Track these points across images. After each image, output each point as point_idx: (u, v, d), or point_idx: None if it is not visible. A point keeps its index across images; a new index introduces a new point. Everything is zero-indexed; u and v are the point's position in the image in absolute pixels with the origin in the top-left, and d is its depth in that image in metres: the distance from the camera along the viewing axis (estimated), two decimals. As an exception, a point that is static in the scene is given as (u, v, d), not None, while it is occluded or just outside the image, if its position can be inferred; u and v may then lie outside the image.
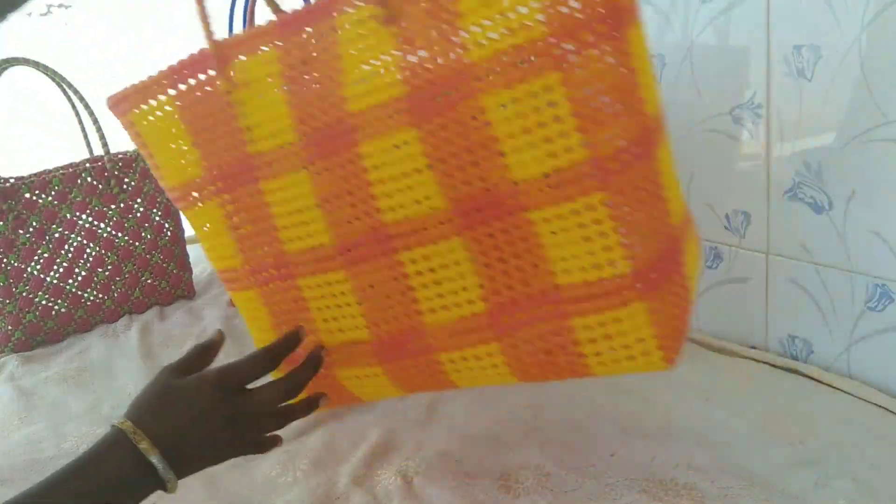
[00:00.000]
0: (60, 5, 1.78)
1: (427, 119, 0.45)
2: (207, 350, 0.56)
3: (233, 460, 0.70)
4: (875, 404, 0.66)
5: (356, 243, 0.51)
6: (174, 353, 0.98)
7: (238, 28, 1.08)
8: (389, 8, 0.45)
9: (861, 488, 0.55)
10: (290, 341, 0.57)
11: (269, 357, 0.55)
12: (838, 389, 0.69)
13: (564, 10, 0.40)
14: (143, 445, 0.48)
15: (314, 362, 0.57)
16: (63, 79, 1.08)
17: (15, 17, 1.72)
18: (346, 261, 0.53)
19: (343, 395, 0.63)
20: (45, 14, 1.77)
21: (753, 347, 0.80)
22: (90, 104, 1.09)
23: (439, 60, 0.44)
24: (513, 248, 0.47)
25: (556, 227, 0.45)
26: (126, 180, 1.11)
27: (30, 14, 1.76)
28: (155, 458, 0.48)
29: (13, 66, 1.03)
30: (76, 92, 1.09)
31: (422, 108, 0.45)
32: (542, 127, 0.42)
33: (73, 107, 1.11)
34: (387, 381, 0.59)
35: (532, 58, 0.41)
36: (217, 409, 0.51)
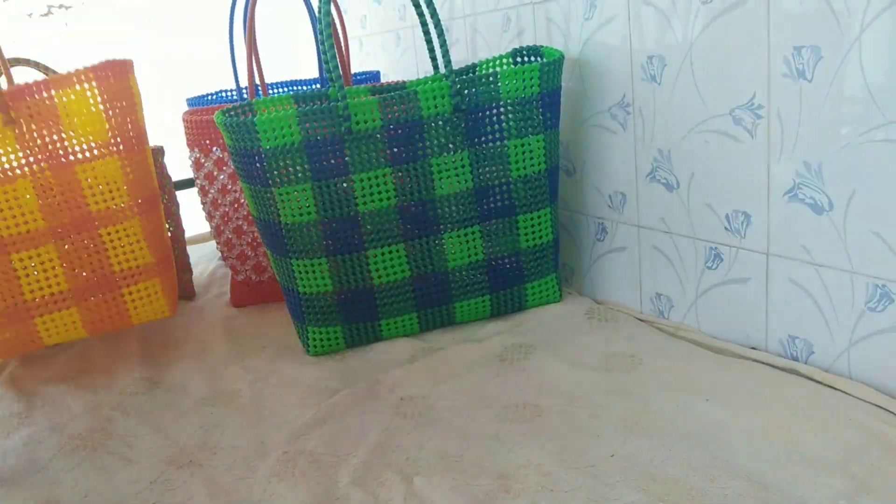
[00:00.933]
0: (60, 5, 1.78)
1: (44, 191, 0.85)
2: None
3: (233, 461, 0.70)
4: (875, 404, 0.66)
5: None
6: (175, 354, 0.98)
7: (238, 28, 1.08)
8: (7, 113, 0.80)
9: (861, 488, 0.55)
10: None
11: None
12: (838, 389, 0.69)
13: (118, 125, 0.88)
14: None
15: None
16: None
17: (15, 18, 1.72)
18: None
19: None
20: (46, 14, 1.77)
21: (753, 347, 0.80)
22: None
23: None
24: (88, 251, 0.89)
25: (114, 237, 0.90)
26: (126, 180, 1.12)
27: (30, 14, 1.76)
28: None
29: (13, 66, 1.03)
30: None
31: (40, 184, 0.84)
32: (108, 186, 0.88)
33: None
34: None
35: (108, 147, 0.87)
36: None
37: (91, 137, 0.84)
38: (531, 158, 0.89)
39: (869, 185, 0.65)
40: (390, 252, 0.88)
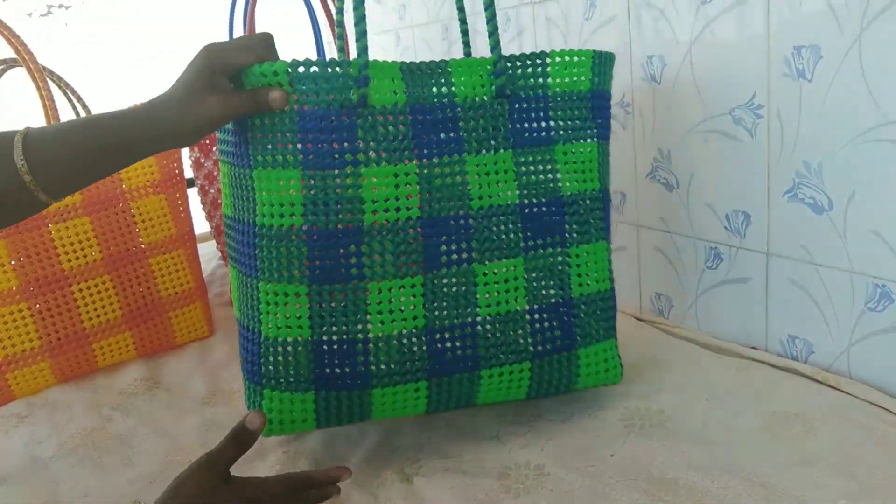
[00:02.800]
0: (60, 5, 1.78)
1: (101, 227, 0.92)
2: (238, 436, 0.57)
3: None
4: (875, 404, 0.66)
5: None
6: (175, 354, 0.98)
7: (238, 28, 1.08)
8: None
9: (861, 488, 0.55)
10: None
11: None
12: (838, 389, 0.69)
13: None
14: None
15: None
16: (61, 79, 1.08)
17: (15, 18, 1.72)
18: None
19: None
20: (46, 14, 1.77)
21: (753, 347, 0.80)
22: (88, 105, 1.09)
23: None
24: (139, 280, 0.95)
25: (161, 266, 0.97)
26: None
27: (30, 14, 1.75)
28: None
29: (12, 67, 1.03)
30: (74, 92, 1.09)
31: (98, 221, 0.90)
32: (157, 220, 0.95)
33: (73, 108, 1.11)
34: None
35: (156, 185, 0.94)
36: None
37: (144, 178, 0.94)
38: (583, 172, 0.69)
39: (869, 185, 0.65)
40: (401, 288, 0.62)
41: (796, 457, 0.60)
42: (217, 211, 1.08)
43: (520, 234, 0.66)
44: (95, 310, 0.91)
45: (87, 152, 0.53)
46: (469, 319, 0.65)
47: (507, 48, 1.06)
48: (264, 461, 0.69)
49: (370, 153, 0.60)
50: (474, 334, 0.65)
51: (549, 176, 0.67)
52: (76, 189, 0.55)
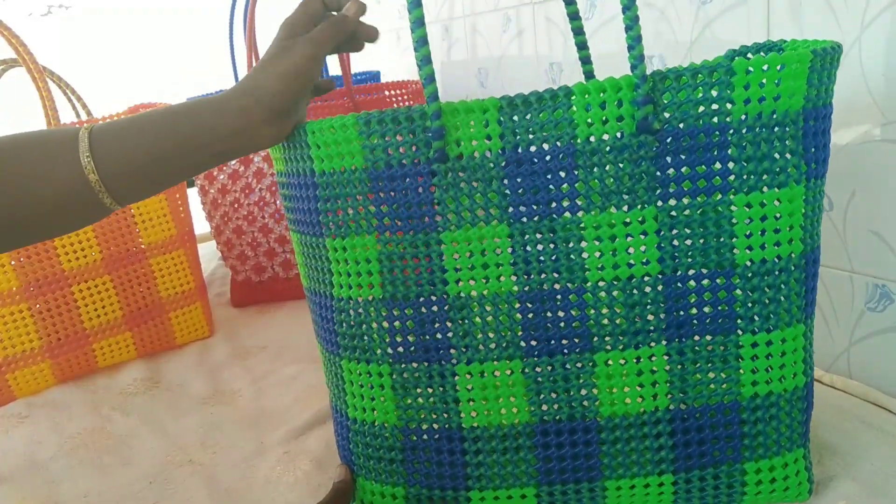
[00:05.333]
0: (60, 5, 1.78)
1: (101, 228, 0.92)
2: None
3: (233, 460, 0.70)
4: (875, 404, 0.66)
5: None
6: (175, 354, 0.98)
7: (238, 28, 1.08)
8: None
9: (861, 488, 0.55)
10: None
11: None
12: (838, 389, 0.69)
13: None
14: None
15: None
16: (61, 79, 1.08)
17: (15, 18, 1.72)
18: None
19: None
20: (46, 14, 1.77)
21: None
22: (89, 105, 1.09)
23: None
24: (140, 280, 0.96)
25: (162, 267, 0.97)
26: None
27: (30, 14, 1.76)
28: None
29: (11, 67, 1.03)
30: (74, 92, 1.09)
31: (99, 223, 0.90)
32: (158, 221, 0.96)
33: (73, 107, 1.11)
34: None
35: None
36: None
37: None
38: (776, 232, 0.48)
39: (869, 185, 0.65)
40: (496, 373, 0.52)
41: (796, 457, 0.60)
42: (217, 211, 1.09)
43: (661, 316, 0.50)
44: (95, 310, 0.91)
45: (163, 152, 0.47)
46: (590, 416, 0.52)
47: (507, 48, 1.06)
48: (264, 461, 0.69)
49: (451, 213, 0.49)
50: (597, 436, 0.52)
51: (716, 241, 0.48)
52: (146, 195, 0.50)
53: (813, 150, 0.48)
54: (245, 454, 0.71)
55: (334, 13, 0.54)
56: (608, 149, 0.47)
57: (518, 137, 0.47)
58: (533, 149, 0.47)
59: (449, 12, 1.17)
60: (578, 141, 0.47)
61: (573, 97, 0.46)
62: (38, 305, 0.87)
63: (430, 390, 0.53)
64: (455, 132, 0.48)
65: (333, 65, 1.42)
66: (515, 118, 0.47)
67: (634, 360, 0.51)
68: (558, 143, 0.47)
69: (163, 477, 0.69)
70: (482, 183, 0.49)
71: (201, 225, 1.10)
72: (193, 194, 1.14)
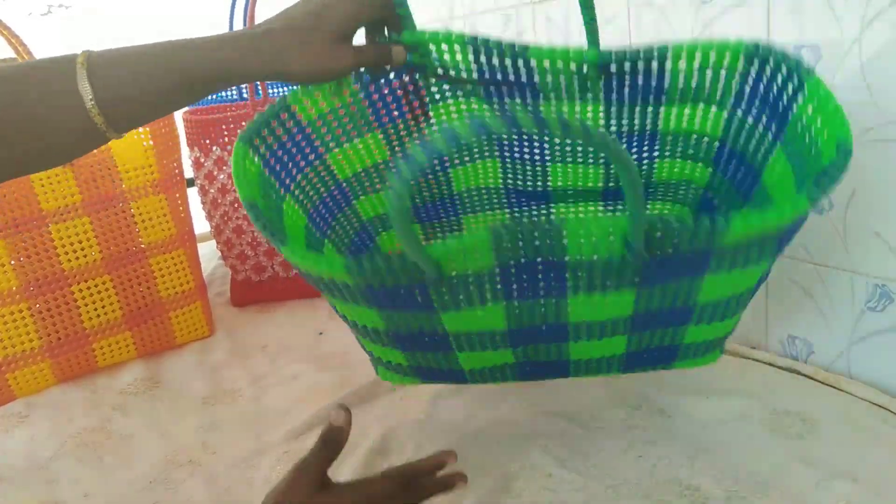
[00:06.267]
0: (60, 5, 1.78)
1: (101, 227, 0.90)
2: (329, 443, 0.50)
3: (233, 461, 0.70)
4: (875, 404, 0.66)
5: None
6: (175, 354, 0.98)
7: (238, 28, 1.08)
8: None
9: (861, 488, 0.55)
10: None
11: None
12: (838, 389, 0.69)
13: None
14: None
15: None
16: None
17: (15, 18, 1.72)
18: None
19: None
20: (46, 14, 1.77)
21: (754, 347, 0.80)
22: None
23: None
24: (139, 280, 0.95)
25: (162, 266, 0.96)
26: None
27: (30, 14, 1.76)
28: None
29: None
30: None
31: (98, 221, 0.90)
32: (157, 220, 0.95)
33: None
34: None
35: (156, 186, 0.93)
36: None
37: (143, 178, 0.93)
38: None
39: (869, 185, 0.65)
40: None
41: (796, 457, 0.60)
42: (217, 210, 1.08)
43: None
44: (95, 310, 0.91)
45: (161, 85, 0.49)
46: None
47: (507, 48, 1.06)
48: (264, 461, 0.69)
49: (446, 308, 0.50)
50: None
51: (682, 303, 0.50)
52: (141, 123, 0.51)
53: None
54: (245, 454, 0.71)
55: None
56: (599, 263, 0.45)
57: (507, 251, 0.45)
58: (526, 260, 0.46)
59: (449, 12, 1.17)
60: (569, 254, 0.45)
61: (567, 223, 0.43)
62: (37, 305, 0.87)
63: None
64: (448, 264, 0.46)
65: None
66: (506, 237, 0.44)
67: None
68: (552, 259, 0.45)
69: (163, 477, 0.69)
70: (476, 289, 0.48)
71: (201, 225, 1.10)
72: (193, 194, 1.14)
